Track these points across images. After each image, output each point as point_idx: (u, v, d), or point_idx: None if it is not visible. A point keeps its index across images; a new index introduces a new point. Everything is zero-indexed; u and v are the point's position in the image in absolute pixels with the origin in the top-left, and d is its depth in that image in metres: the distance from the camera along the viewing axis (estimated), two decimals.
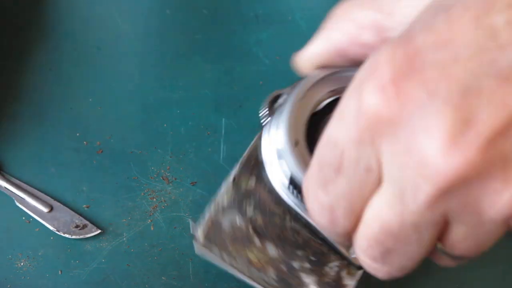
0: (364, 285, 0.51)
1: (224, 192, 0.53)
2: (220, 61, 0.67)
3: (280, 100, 0.52)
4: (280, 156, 0.49)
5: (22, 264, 0.60)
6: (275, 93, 0.52)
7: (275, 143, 0.50)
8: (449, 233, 0.41)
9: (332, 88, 0.51)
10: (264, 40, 0.68)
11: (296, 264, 0.52)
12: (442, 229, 0.40)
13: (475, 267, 0.60)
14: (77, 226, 0.61)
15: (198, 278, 0.60)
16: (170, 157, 0.64)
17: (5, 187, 0.62)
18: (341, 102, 0.41)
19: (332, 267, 0.52)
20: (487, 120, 0.36)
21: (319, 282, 0.51)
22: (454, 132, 0.36)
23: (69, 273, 0.60)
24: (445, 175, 0.36)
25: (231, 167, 0.53)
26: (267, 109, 0.52)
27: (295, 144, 0.49)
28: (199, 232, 0.51)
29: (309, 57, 0.50)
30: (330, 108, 0.49)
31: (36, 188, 0.62)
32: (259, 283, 0.51)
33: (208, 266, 0.60)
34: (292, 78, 0.63)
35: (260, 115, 0.52)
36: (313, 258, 0.52)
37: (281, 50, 0.67)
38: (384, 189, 0.40)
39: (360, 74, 0.40)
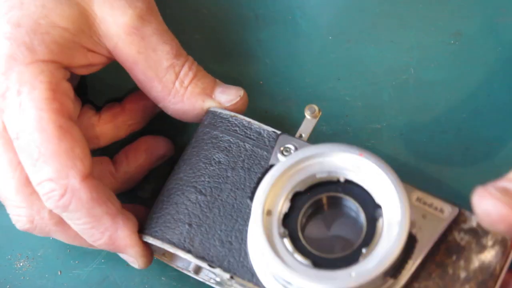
0: None
1: None
2: (220, 61, 0.67)
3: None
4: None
5: (21, 264, 0.60)
6: None
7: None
8: None
9: (317, 171, 0.52)
10: (264, 40, 0.68)
11: None
12: None
13: None
14: None
15: None
16: None
17: None
18: None
19: None
20: None
21: None
22: None
23: (69, 274, 0.60)
24: None
25: None
26: None
27: (266, 213, 0.50)
28: None
29: None
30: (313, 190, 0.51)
31: None
32: None
33: None
34: (292, 78, 0.63)
35: None
36: None
37: (281, 50, 0.67)
38: None
39: None
